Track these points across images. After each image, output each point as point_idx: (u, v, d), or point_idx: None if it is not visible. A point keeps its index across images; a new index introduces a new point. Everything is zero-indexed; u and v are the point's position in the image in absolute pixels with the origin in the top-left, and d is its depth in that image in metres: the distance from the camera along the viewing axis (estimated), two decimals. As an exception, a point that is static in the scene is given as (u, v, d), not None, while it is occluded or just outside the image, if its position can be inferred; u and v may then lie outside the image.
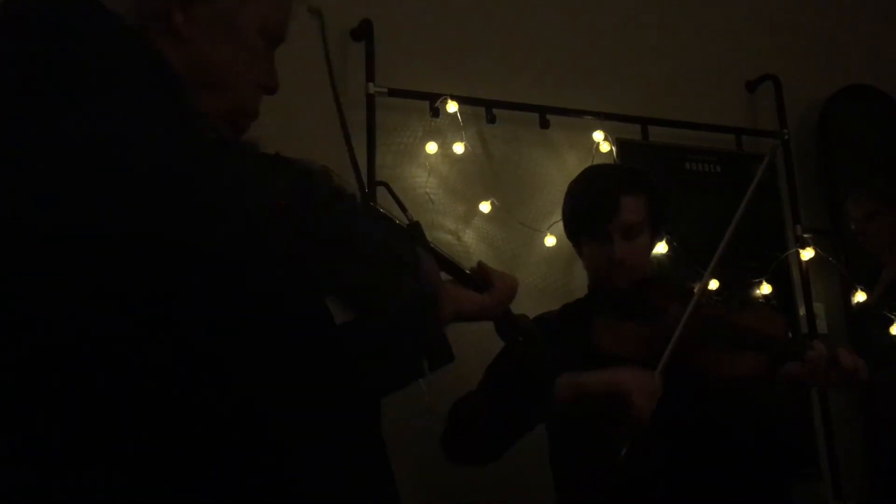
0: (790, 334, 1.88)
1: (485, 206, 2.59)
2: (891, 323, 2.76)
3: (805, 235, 2.91)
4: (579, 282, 2.60)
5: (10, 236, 0.74)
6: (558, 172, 2.73)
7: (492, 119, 2.61)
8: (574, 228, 2.02)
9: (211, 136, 0.96)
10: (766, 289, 2.79)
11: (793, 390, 1.80)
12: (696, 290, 1.80)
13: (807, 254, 2.88)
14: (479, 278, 1.26)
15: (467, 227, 2.59)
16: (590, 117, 2.73)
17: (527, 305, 1.39)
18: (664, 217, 2.02)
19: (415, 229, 1.13)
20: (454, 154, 2.58)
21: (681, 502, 1.72)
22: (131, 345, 0.77)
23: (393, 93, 2.50)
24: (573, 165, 2.74)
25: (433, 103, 2.54)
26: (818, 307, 2.92)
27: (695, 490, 1.73)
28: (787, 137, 3.01)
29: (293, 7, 1.09)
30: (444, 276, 1.19)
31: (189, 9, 0.98)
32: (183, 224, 0.74)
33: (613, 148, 2.73)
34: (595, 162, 2.68)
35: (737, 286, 2.73)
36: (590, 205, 1.93)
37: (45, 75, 0.77)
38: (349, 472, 0.91)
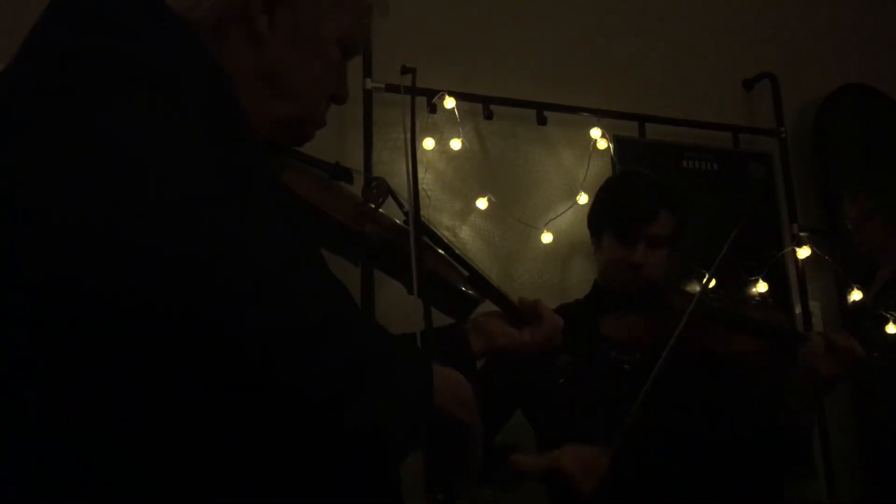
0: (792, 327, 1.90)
1: (482, 203, 2.58)
2: (886, 321, 2.76)
3: (801, 234, 2.91)
4: (576, 279, 2.60)
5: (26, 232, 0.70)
6: (555, 169, 2.74)
7: (489, 115, 2.60)
8: (601, 223, 2.01)
9: (256, 142, 0.94)
10: (762, 287, 2.79)
11: (804, 394, 1.80)
12: (702, 287, 1.83)
13: (803, 252, 2.88)
14: (524, 312, 1.30)
15: (464, 223, 2.59)
16: (587, 114, 2.73)
17: (523, 302, 1.40)
18: (683, 238, 2.03)
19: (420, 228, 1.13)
20: (451, 150, 2.58)
21: (675, 494, 1.73)
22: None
23: (390, 88, 2.50)
24: (570, 162, 2.75)
25: (430, 99, 2.54)
26: (814, 305, 2.92)
27: (689, 483, 1.74)
28: (784, 136, 3.01)
29: (373, 20, 1.09)
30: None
31: (273, 13, 0.97)
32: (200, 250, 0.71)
33: (610, 145, 2.73)
34: (592, 160, 2.69)
35: (733, 284, 2.73)
36: (628, 206, 1.93)
37: (86, 72, 0.75)
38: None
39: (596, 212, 2.05)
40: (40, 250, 0.69)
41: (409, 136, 1.15)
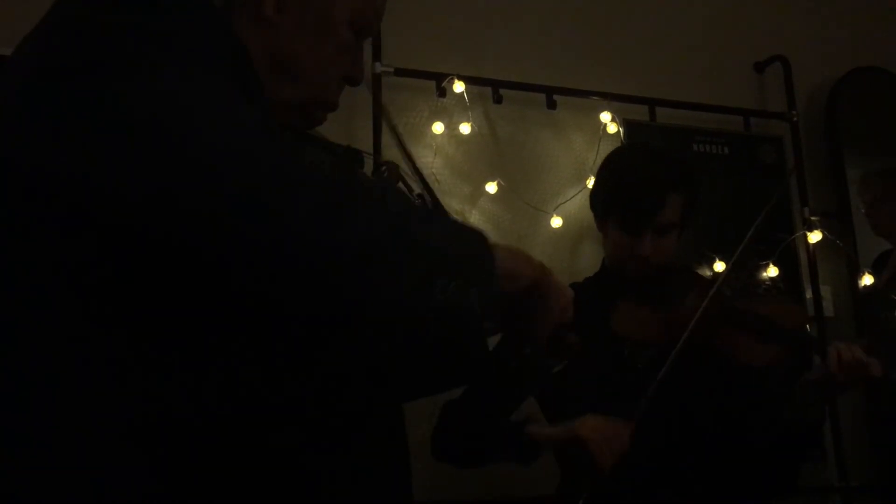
0: (809, 326, 1.87)
1: (491, 187, 2.58)
2: (898, 306, 2.75)
3: (812, 218, 2.90)
4: (585, 263, 2.60)
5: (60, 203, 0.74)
6: (565, 153, 2.73)
7: (498, 99, 2.60)
8: (605, 210, 1.91)
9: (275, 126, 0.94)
10: (773, 271, 2.78)
11: (816, 397, 1.77)
12: (716, 280, 1.80)
13: (814, 237, 2.87)
14: None
15: (473, 207, 2.59)
16: (597, 98, 2.72)
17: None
18: (693, 214, 1.94)
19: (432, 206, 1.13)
20: (460, 134, 2.57)
21: (685, 486, 1.73)
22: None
23: (399, 72, 2.49)
24: (580, 146, 2.74)
25: (440, 83, 2.53)
26: (825, 290, 2.91)
27: (700, 476, 1.74)
28: (795, 119, 2.99)
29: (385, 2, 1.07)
30: None
31: None
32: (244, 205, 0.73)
33: (621, 129, 2.72)
34: (602, 144, 2.68)
35: (744, 268, 2.72)
36: (634, 196, 1.81)
37: (118, 45, 0.76)
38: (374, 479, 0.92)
39: (599, 195, 1.95)
40: (86, 220, 0.74)
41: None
